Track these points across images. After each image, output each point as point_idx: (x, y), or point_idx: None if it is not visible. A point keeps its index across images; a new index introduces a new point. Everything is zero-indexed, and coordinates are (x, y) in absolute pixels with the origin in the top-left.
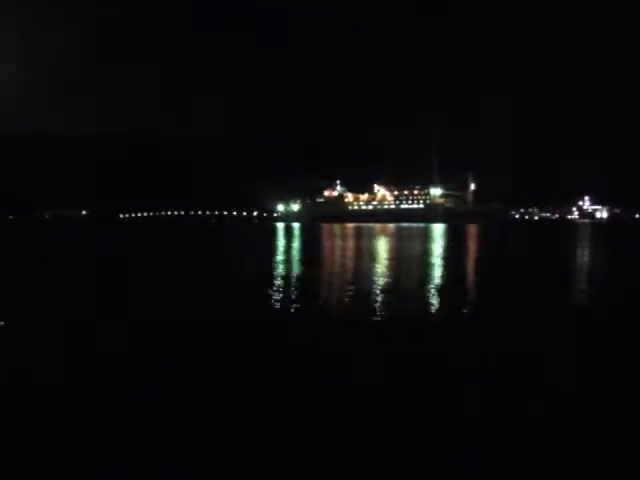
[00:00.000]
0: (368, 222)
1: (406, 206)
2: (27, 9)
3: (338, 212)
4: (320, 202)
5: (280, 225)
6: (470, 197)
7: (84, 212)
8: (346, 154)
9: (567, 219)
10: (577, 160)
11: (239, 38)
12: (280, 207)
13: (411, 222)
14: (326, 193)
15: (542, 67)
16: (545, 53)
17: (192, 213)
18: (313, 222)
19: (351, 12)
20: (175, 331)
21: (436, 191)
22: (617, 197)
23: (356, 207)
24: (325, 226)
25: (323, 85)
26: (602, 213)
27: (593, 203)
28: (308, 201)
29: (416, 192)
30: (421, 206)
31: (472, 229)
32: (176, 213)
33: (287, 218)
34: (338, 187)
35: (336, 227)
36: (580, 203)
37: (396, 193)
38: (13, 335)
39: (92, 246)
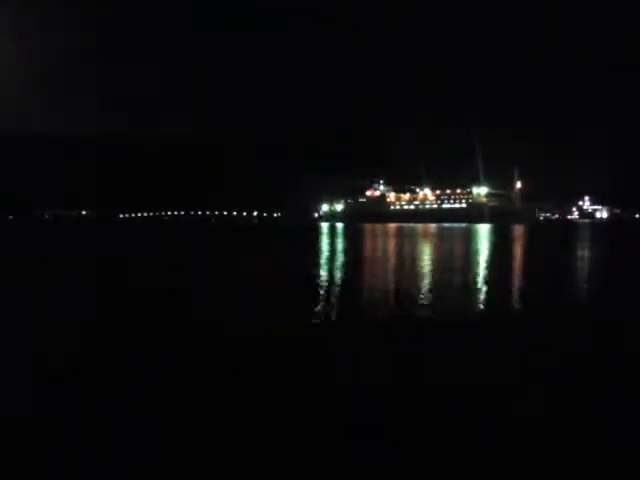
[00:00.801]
0: (410, 222)
1: (448, 206)
2: (26, 9)
3: (380, 212)
4: (362, 202)
5: (324, 225)
6: (516, 196)
7: (84, 212)
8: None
9: (567, 219)
10: (577, 160)
11: (240, 39)
12: (324, 207)
13: (453, 222)
14: (368, 193)
15: (542, 67)
16: (545, 53)
17: (192, 213)
18: (355, 222)
19: (351, 12)
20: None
21: (480, 190)
22: (617, 197)
23: (398, 207)
24: (367, 226)
25: (325, 85)
26: (602, 213)
27: (593, 203)
28: (350, 201)
29: (459, 191)
30: (464, 205)
31: (519, 229)
32: (176, 213)
33: (331, 218)
34: (381, 187)
35: (378, 227)
36: (580, 203)
37: (438, 192)
38: (11, 334)
39: (98, 246)
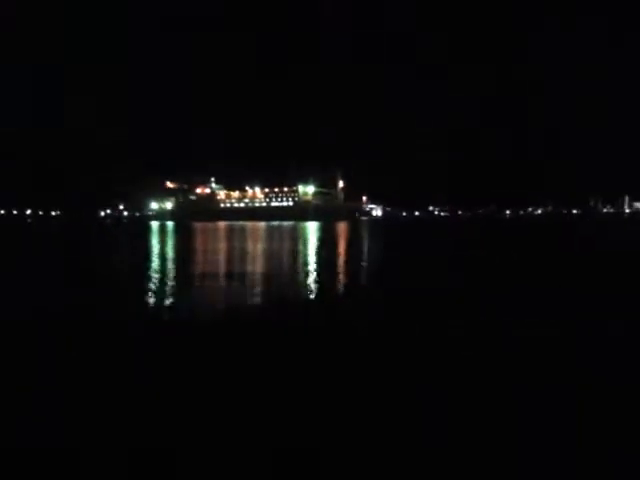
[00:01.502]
0: (240, 220)
1: (277, 204)
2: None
3: (210, 210)
4: (193, 200)
5: (154, 224)
6: (339, 195)
7: None
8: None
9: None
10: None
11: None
12: (154, 205)
13: (282, 220)
14: (198, 190)
15: None
16: None
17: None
18: (185, 220)
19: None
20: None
21: (304, 188)
22: (389, 197)
23: (228, 205)
24: (197, 225)
25: None
26: (377, 211)
27: (371, 202)
28: (181, 199)
29: (286, 189)
30: (291, 204)
31: (341, 226)
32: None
33: (162, 216)
34: (213, 184)
35: (209, 226)
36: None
37: (267, 190)
38: None
39: None
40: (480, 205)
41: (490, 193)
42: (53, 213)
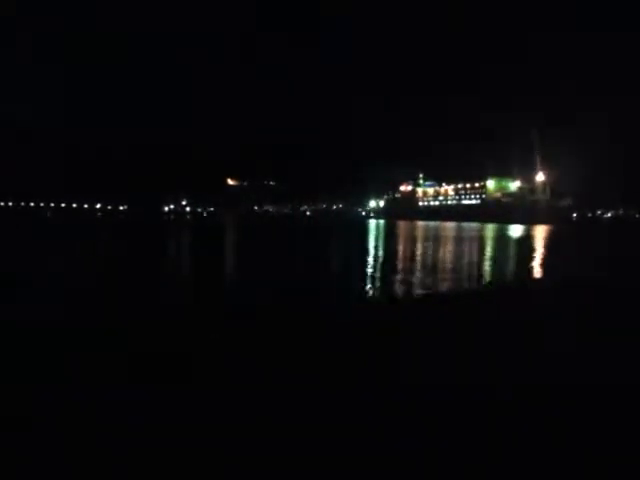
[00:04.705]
0: (435, 219)
1: (466, 202)
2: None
3: (410, 208)
4: (398, 198)
5: (372, 221)
6: (541, 191)
7: None
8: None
9: None
10: None
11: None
12: (372, 203)
13: (470, 220)
14: (402, 188)
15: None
16: None
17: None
18: (392, 218)
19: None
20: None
21: (494, 183)
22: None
23: (425, 203)
24: (400, 223)
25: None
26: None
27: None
28: (390, 197)
29: (477, 185)
30: (478, 202)
31: (538, 232)
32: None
33: (377, 214)
34: (420, 180)
35: (406, 225)
36: None
37: (459, 186)
38: None
39: None
40: None
41: None
42: (121, 208)
